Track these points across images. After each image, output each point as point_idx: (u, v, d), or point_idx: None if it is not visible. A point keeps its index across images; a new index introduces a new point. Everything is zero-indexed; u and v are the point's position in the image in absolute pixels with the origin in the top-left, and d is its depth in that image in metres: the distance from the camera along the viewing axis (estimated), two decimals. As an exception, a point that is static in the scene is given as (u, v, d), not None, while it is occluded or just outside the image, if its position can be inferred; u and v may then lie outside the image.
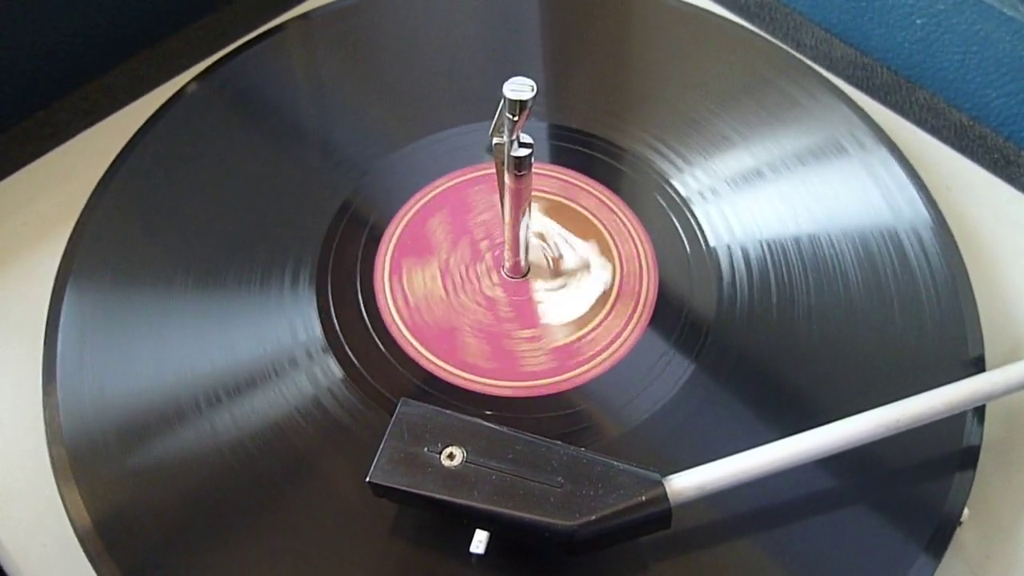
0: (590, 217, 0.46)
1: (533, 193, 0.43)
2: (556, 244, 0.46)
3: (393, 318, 0.43)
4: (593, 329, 0.43)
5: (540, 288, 0.44)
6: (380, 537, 0.37)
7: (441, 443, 0.35)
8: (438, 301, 0.43)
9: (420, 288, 0.44)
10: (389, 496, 0.35)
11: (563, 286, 0.44)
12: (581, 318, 0.43)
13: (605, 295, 0.44)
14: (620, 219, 0.46)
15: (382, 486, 0.34)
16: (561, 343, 0.42)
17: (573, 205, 0.47)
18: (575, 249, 0.45)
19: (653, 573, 0.36)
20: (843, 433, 0.36)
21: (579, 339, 0.42)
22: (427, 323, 0.43)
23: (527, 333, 0.43)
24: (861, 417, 0.36)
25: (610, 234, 0.46)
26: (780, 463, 0.35)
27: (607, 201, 0.47)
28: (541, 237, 0.46)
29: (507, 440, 0.35)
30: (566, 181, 0.48)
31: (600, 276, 0.44)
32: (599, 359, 0.42)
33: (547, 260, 0.45)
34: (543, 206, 0.47)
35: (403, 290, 0.44)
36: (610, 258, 0.45)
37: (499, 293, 0.44)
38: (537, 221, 0.46)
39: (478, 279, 0.44)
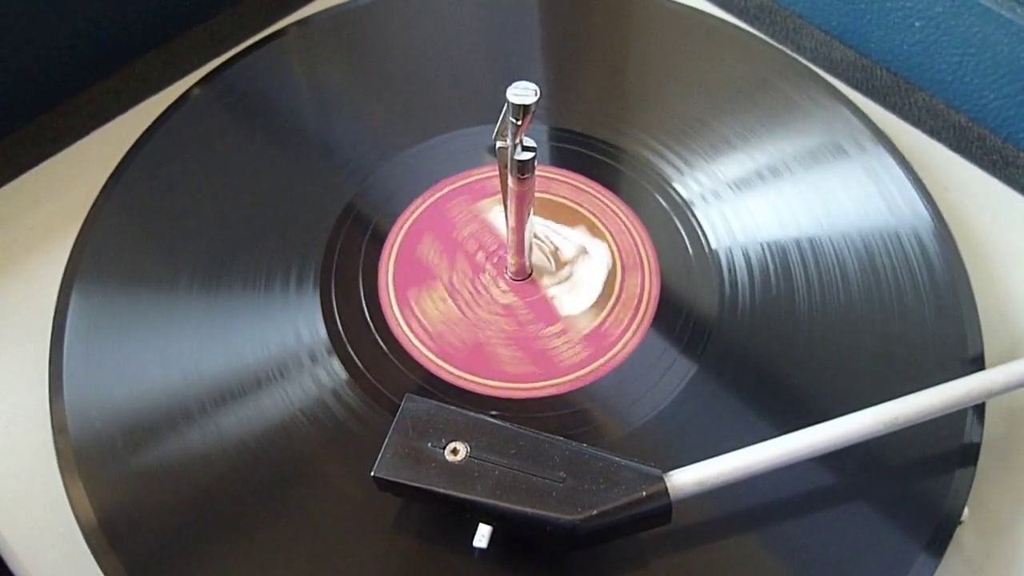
0: (592, 218, 0.47)
1: (535, 195, 0.44)
2: (557, 245, 0.46)
3: (397, 320, 0.43)
4: (596, 331, 0.43)
5: (543, 288, 0.44)
6: (384, 532, 0.37)
7: (445, 438, 0.35)
8: (440, 302, 0.44)
9: (424, 287, 0.44)
10: (393, 490, 0.35)
11: (564, 286, 0.44)
12: (584, 319, 0.43)
13: (605, 297, 0.44)
14: (622, 221, 0.47)
15: (386, 480, 0.34)
16: (564, 343, 0.42)
17: (575, 207, 0.47)
18: (576, 250, 0.46)
19: (653, 568, 0.36)
20: (843, 430, 0.36)
21: (581, 339, 0.43)
22: (431, 323, 0.43)
23: (531, 333, 0.43)
24: (861, 414, 0.36)
25: (612, 235, 0.46)
26: (780, 459, 0.35)
27: (609, 203, 0.47)
28: (542, 238, 0.46)
29: (510, 436, 0.35)
30: (568, 183, 0.48)
31: (601, 276, 0.45)
32: (601, 361, 0.42)
33: (548, 259, 0.45)
34: (545, 208, 0.47)
35: (407, 291, 0.44)
36: (611, 259, 0.45)
37: (502, 294, 0.44)
38: (539, 223, 0.46)
39: (481, 281, 0.44)
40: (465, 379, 0.41)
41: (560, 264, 0.45)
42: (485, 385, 0.41)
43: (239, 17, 0.58)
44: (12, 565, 0.39)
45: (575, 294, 0.44)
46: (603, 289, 0.44)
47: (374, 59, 0.54)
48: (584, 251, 0.45)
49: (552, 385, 0.41)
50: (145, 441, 0.39)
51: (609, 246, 0.45)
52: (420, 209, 0.47)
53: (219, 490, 0.38)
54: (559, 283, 0.44)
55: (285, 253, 0.45)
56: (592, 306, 0.44)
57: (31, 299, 0.45)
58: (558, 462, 0.34)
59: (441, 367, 0.42)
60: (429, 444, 0.35)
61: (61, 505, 0.38)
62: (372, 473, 0.34)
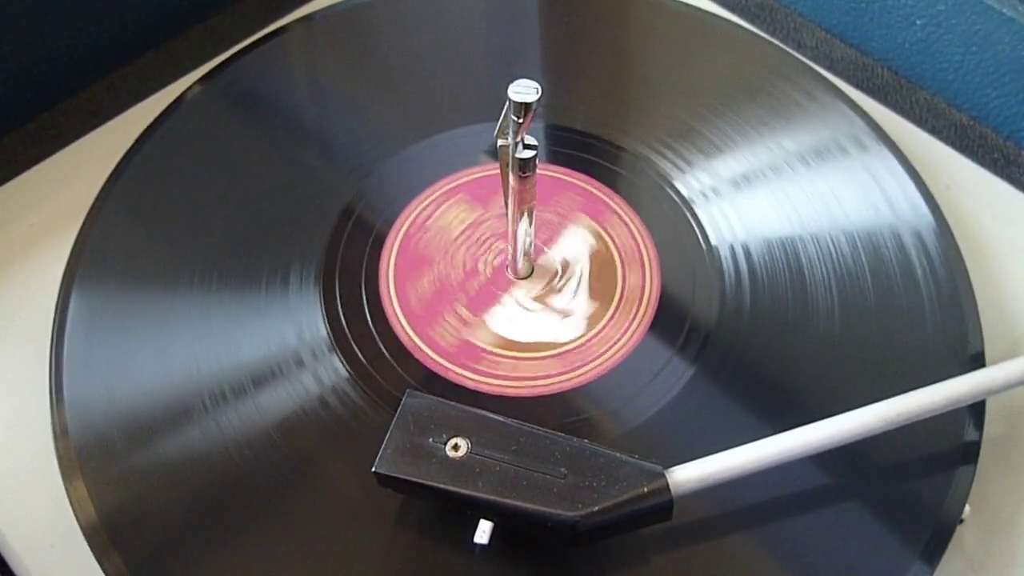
0: (593, 217, 0.47)
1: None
2: (559, 244, 0.46)
3: (398, 317, 0.43)
4: (598, 329, 0.43)
5: (544, 288, 0.44)
6: (385, 529, 0.37)
7: (446, 434, 0.35)
8: (442, 300, 0.44)
9: (425, 287, 0.44)
10: (394, 486, 0.35)
11: (566, 286, 0.44)
12: (585, 317, 0.43)
13: (606, 294, 0.44)
14: (622, 219, 0.47)
15: (387, 476, 0.34)
16: (567, 342, 0.42)
17: (576, 205, 0.47)
18: (578, 248, 0.46)
19: (653, 565, 0.36)
20: (844, 426, 0.36)
21: (584, 338, 0.43)
22: (432, 323, 0.43)
23: (534, 332, 0.43)
24: (862, 411, 0.36)
25: (612, 233, 0.46)
26: (781, 455, 0.35)
27: (609, 201, 0.47)
28: (543, 237, 0.46)
29: (511, 432, 0.35)
30: (568, 182, 0.48)
31: (602, 274, 0.45)
32: (602, 359, 0.42)
33: (552, 260, 0.45)
34: (545, 207, 0.47)
35: (407, 289, 0.44)
36: (612, 257, 0.45)
37: (504, 293, 0.44)
38: (540, 221, 0.46)
39: (483, 280, 0.44)
40: (466, 376, 0.41)
41: (560, 271, 0.45)
42: (486, 383, 0.41)
43: (240, 16, 0.58)
44: (13, 564, 0.39)
45: (565, 304, 0.44)
46: (593, 309, 0.44)
47: (375, 57, 0.54)
48: (589, 265, 0.45)
49: (553, 382, 0.41)
50: (146, 440, 0.39)
51: (616, 268, 0.45)
52: (422, 206, 0.47)
53: (220, 488, 0.38)
54: (553, 290, 0.44)
55: (286, 250, 0.45)
56: (577, 321, 0.43)
57: (32, 297, 0.45)
58: (559, 458, 0.34)
59: (442, 364, 0.42)
60: (430, 440, 0.35)
61: (62, 504, 0.38)
62: (373, 469, 0.34)
